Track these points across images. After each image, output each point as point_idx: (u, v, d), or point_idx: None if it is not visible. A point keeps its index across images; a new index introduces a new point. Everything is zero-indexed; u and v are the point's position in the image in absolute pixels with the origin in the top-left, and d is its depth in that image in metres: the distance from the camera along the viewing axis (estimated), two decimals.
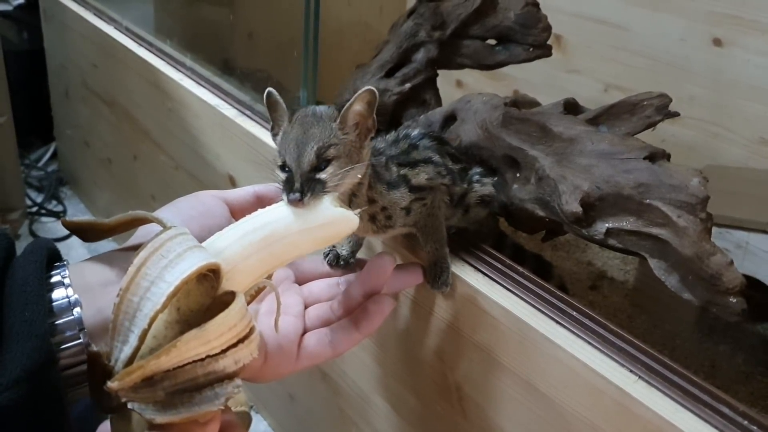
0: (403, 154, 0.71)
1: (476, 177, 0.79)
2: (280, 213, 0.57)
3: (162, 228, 0.50)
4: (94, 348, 0.45)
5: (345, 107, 0.60)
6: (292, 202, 0.56)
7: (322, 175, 0.59)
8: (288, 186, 0.58)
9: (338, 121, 0.60)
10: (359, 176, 0.63)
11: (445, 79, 1.06)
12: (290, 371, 0.64)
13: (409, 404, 0.86)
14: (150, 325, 0.43)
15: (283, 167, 0.60)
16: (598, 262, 1.21)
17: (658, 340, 0.99)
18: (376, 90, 0.59)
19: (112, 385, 0.42)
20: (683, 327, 1.00)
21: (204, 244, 0.51)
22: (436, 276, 0.72)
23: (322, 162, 0.59)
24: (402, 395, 0.87)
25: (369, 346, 0.91)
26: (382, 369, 0.90)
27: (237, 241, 0.53)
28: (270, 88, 0.62)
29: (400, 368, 0.86)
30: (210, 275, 0.48)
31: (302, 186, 0.57)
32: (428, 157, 0.72)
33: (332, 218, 0.58)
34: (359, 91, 0.59)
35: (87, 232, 0.59)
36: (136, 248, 0.59)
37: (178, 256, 0.46)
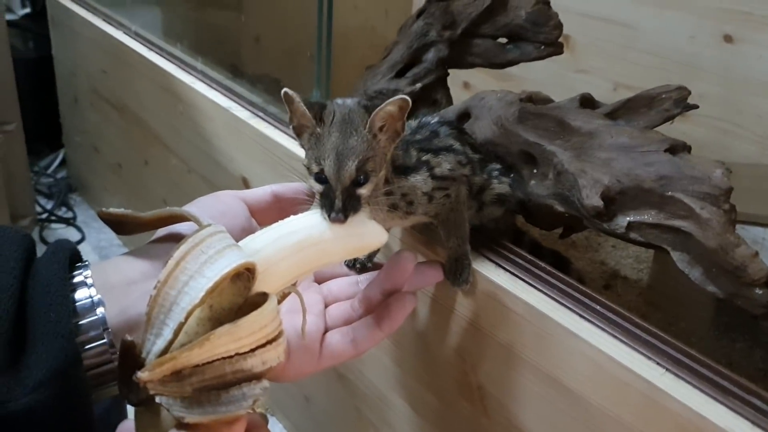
0: (425, 141, 0.70)
1: (495, 173, 0.78)
2: (314, 219, 0.57)
3: (198, 226, 0.50)
4: (128, 337, 0.45)
5: (374, 113, 0.58)
6: (334, 221, 0.56)
7: (362, 191, 0.58)
8: (328, 203, 0.57)
9: (367, 127, 0.58)
10: (381, 178, 0.62)
11: (452, 81, 1.06)
12: (312, 370, 0.64)
13: (428, 404, 0.86)
14: (186, 318, 0.43)
15: (319, 176, 0.59)
16: (611, 261, 1.20)
17: (673, 337, 0.98)
18: (409, 99, 0.57)
19: (141, 375, 0.42)
20: (699, 324, 1.00)
21: (239, 244, 0.51)
22: (457, 273, 0.71)
23: (361, 175, 0.58)
24: (421, 395, 0.87)
25: (386, 346, 0.90)
26: (401, 368, 0.90)
27: (272, 243, 0.53)
28: (285, 89, 0.60)
29: (419, 367, 0.86)
30: (244, 275, 0.48)
31: (344, 204, 0.57)
32: (449, 144, 0.71)
33: (365, 231, 0.59)
34: (392, 98, 0.57)
35: (123, 225, 0.59)
36: (157, 246, 0.60)
37: (218, 253, 0.47)
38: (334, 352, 0.64)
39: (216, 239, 0.48)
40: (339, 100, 0.61)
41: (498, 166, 0.80)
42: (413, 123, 0.74)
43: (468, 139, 0.76)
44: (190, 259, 0.46)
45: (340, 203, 0.57)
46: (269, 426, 0.61)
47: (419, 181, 0.66)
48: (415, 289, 0.69)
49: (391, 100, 0.57)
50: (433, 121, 0.74)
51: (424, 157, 0.68)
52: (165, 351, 0.44)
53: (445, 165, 0.69)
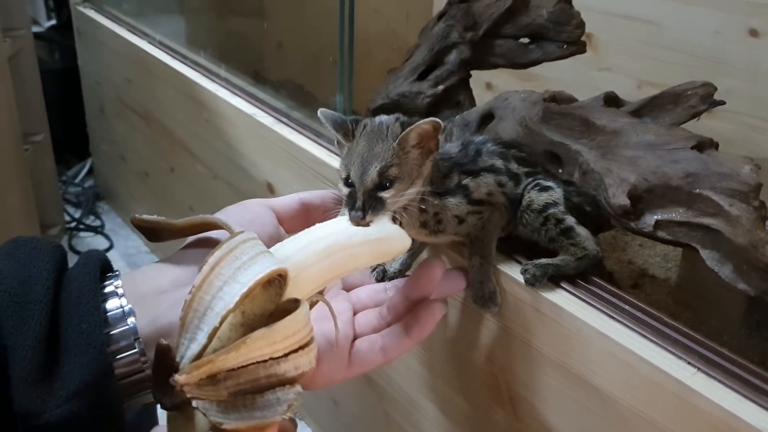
0: (469, 163, 0.71)
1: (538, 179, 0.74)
2: (340, 225, 0.59)
3: (229, 233, 0.50)
4: (164, 341, 0.45)
5: (406, 131, 0.61)
6: (354, 220, 0.59)
7: (384, 194, 0.61)
8: (350, 203, 0.61)
9: (398, 141, 0.62)
10: (416, 192, 0.64)
11: (474, 82, 1.06)
12: (341, 378, 0.64)
13: (458, 407, 0.86)
14: (221, 323, 0.44)
15: (347, 181, 0.62)
16: (639, 260, 1.19)
17: (704, 337, 0.97)
18: (441, 121, 0.60)
19: (179, 378, 0.43)
20: (730, 323, 0.98)
21: (270, 250, 0.52)
22: (484, 297, 0.71)
23: (384, 181, 0.61)
24: (451, 398, 0.87)
25: (415, 350, 0.90)
26: (429, 372, 0.90)
27: (301, 250, 0.54)
28: (321, 109, 0.65)
29: (447, 371, 0.86)
30: (276, 281, 0.48)
31: (364, 204, 0.60)
32: (491, 164, 0.72)
33: (389, 234, 0.61)
34: (428, 118, 0.60)
35: (155, 232, 0.60)
36: (186, 254, 0.60)
37: (251, 259, 0.47)
38: (363, 359, 0.64)
39: (249, 246, 0.49)
40: (376, 118, 0.65)
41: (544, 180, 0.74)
42: (457, 145, 0.74)
43: (515, 153, 0.75)
44: (225, 264, 0.47)
45: (360, 203, 0.60)
46: (298, 430, 0.62)
47: (452, 203, 0.68)
48: (442, 296, 0.69)
49: (426, 119, 0.61)
50: (477, 139, 0.75)
51: (464, 181, 0.69)
52: (199, 355, 0.44)
53: (482, 189, 0.70)
